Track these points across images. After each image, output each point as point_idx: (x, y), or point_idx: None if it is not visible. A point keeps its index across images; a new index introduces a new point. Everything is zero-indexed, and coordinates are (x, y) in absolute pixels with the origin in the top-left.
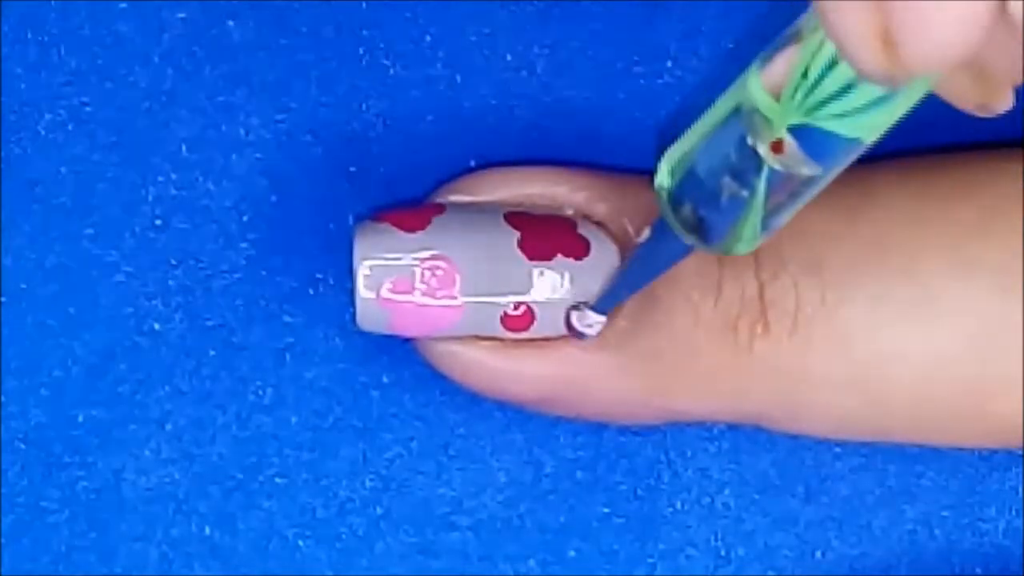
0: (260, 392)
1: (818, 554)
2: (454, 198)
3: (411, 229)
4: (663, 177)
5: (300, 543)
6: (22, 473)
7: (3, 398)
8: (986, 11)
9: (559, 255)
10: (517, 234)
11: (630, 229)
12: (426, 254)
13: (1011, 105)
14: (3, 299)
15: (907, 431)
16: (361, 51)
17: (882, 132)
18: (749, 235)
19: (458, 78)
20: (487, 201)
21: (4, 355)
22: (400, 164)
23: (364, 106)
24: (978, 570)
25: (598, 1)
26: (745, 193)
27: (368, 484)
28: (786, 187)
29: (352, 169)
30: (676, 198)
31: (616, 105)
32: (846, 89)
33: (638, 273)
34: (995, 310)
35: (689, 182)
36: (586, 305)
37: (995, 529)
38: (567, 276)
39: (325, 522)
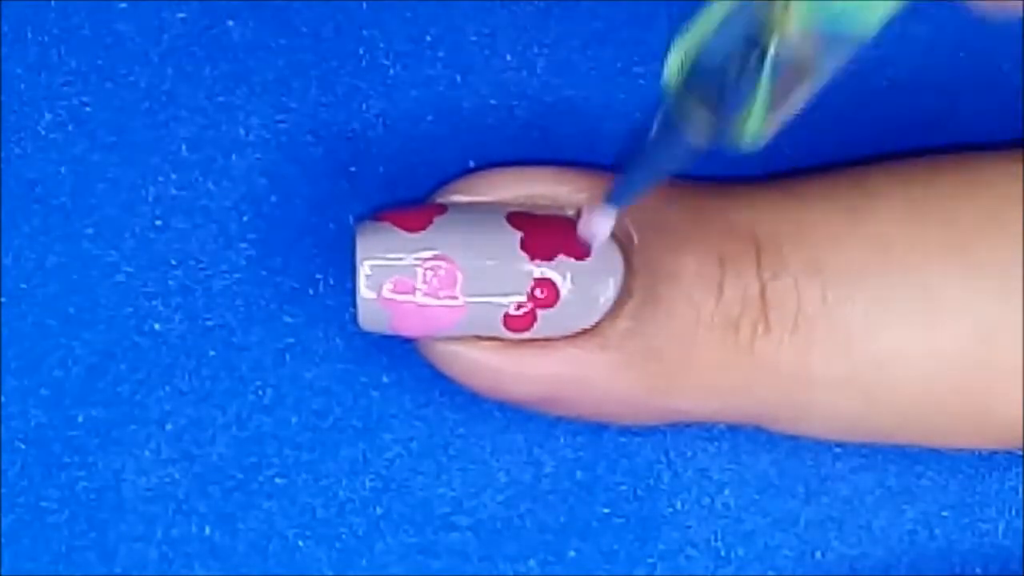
0: (260, 392)
1: (818, 554)
2: (456, 198)
3: (413, 229)
4: (672, 72)
5: (300, 543)
6: (22, 473)
7: (3, 398)
8: None
9: (561, 255)
10: (519, 234)
11: (632, 229)
12: (428, 254)
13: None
14: (3, 299)
15: (908, 431)
16: (361, 51)
17: None
18: (754, 127)
19: (458, 78)
20: (489, 201)
21: (4, 355)
22: (400, 164)
23: (364, 106)
24: (978, 570)
25: (598, 1)
26: (751, 78)
27: (368, 484)
28: (791, 72)
29: (352, 169)
30: (682, 92)
31: (616, 105)
32: None
33: (646, 171)
34: (996, 311)
35: (695, 74)
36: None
37: (995, 529)
38: (569, 276)
39: (325, 522)
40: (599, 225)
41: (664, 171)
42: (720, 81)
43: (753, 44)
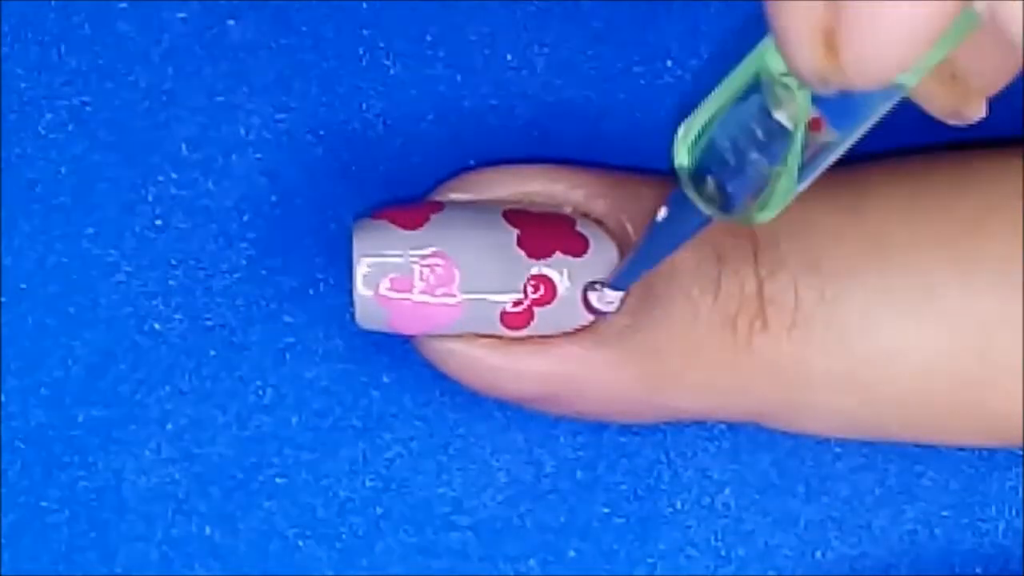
0: (260, 392)
1: (818, 554)
2: (453, 196)
3: (410, 226)
4: (682, 156)
5: (300, 543)
6: (22, 473)
7: (3, 398)
8: (934, 27)
9: (558, 252)
10: (516, 232)
11: (628, 226)
12: (425, 251)
13: (983, 114)
14: (3, 299)
15: (906, 428)
16: (361, 51)
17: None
18: (776, 202)
19: (458, 78)
20: (486, 199)
21: (4, 355)
22: (400, 164)
23: (364, 106)
24: (978, 570)
25: (598, 1)
26: (774, 165)
27: (368, 484)
28: (811, 152)
29: (352, 169)
30: (698, 175)
31: (616, 105)
32: None
33: (656, 248)
34: (994, 307)
35: (711, 158)
36: (603, 284)
37: (995, 529)
38: (566, 273)
39: (325, 522)
40: (607, 307)
41: (674, 246)
42: (737, 158)
43: (772, 122)
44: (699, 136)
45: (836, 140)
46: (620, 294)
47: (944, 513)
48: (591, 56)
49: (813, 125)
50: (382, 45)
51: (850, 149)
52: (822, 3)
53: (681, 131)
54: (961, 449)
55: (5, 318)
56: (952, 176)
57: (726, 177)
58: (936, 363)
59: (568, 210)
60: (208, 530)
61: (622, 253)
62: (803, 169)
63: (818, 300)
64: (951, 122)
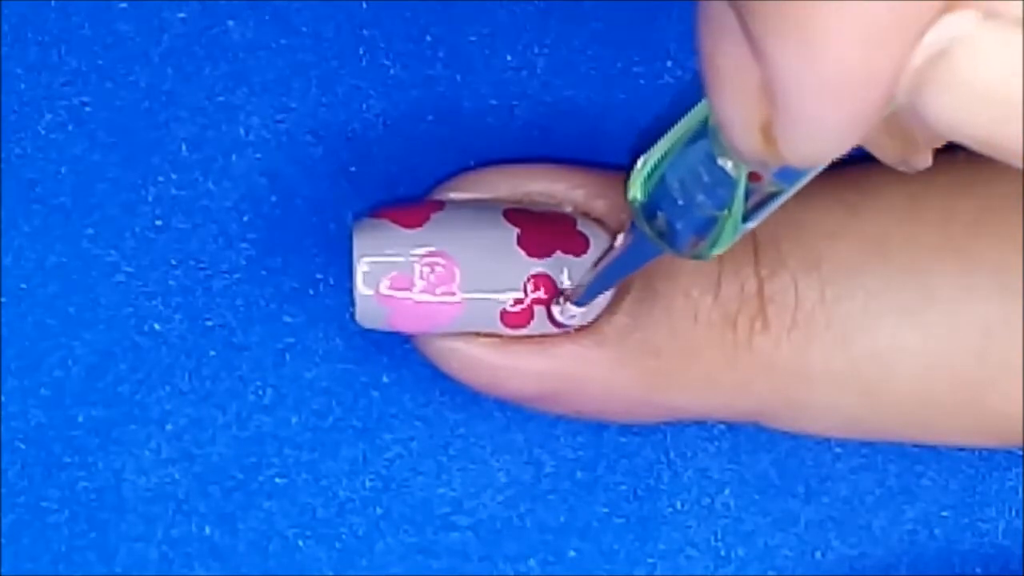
0: (260, 392)
1: (818, 554)
2: (453, 195)
3: (410, 225)
4: (636, 189)
5: (300, 543)
6: (22, 473)
7: (3, 398)
8: (866, 121)
9: (558, 252)
10: (516, 231)
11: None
12: (425, 250)
13: (930, 163)
14: (3, 299)
15: (906, 428)
16: (361, 51)
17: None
18: (724, 241)
19: (458, 78)
20: (486, 198)
21: (4, 355)
22: (400, 164)
23: (364, 106)
24: (978, 570)
25: (598, 1)
26: (719, 210)
27: (368, 484)
28: (759, 197)
29: (352, 169)
30: (649, 209)
31: (616, 105)
32: None
33: (615, 271)
34: (994, 308)
35: (661, 195)
36: (566, 299)
37: (995, 529)
38: (566, 273)
39: (325, 522)
40: (569, 320)
41: (631, 270)
42: (685, 199)
43: (717, 169)
44: (652, 172)
45: (781, 190)
46: (582, 309)
47: (944, 513)
48: (591, 56)
49: (755, 177)
50: (382, 45)
51: (850, 149)
52: (756, 98)
53: (639, 164)
54: (961, 449)
55: (5, 318)
56: (952, 177)
57: (674, 215)
58: (936, 363)
59: (569, 209)
60: (208, 530)
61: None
62: (749, 214)
63: (818, 300)
64: (899, 168)
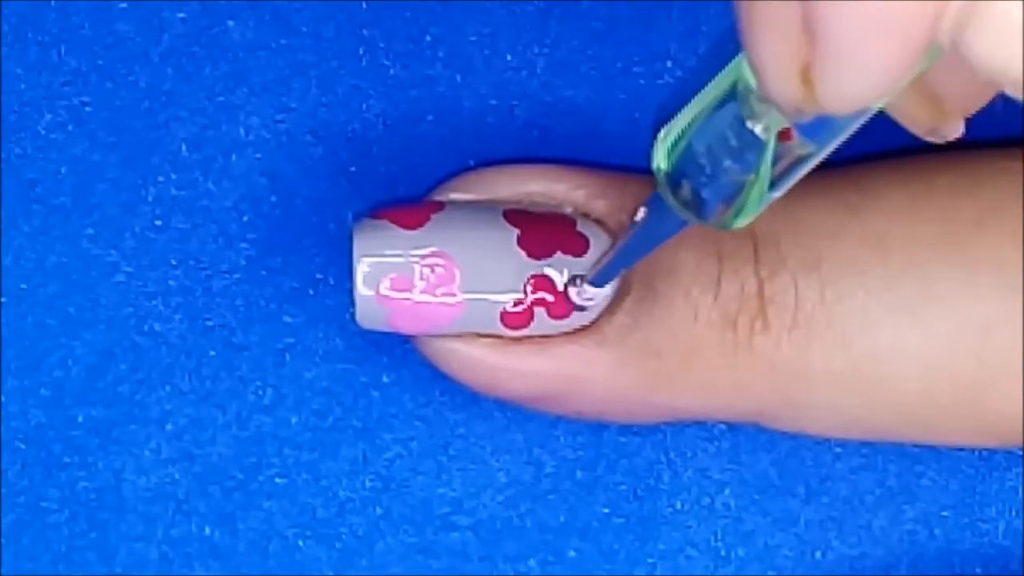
0: (260, 392)
1: (818, 554)
2: (453, 196)
3: (410, 226)
4: (660, 159)
5: (300, 543)
6: (22, 473)
7: (3, 398)
8: (906, 62)
9: (558, 252)
10: (516, 231)
11: None
12: (425, 251)
13: (961, 132)
14: (3, 299)
15: (906, 428)
16: (361, 51)
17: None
18: (750, 209)
19: (458, 78)
20: (486, 199)
21: (4, 355)
22: (400, 164)
23: (364, 106)
24: (978, 570)
25: (598, 1)
26: (747, 175)
27: (368, 484)
28: (787, 162)
29: (352, 169)
30: (674, 179)
31: (616, 105)
32: None
33: (635, 248)
34: (995, 308)
35: (687, 163)
36: (583, 279)
37: (995, 529)
38: (566, 273)
39: (325, 522)
40: (586, 302)
41: (652, 247)
42: (712, 165)
43: (746, 132)
44: (677, 140)
45: (811, 152)
46: (598, 291)
47: (944, 513)
48: (591, 56)
49: (785, 135)
50: (382, 45)
51: (851, 149)
52: (796, 39)
53: (661, 134)
54: (961, 449)
55: (5, 318)
56: (953, 177)
57: (701, 183)
58: (936, 363)
59: (569, 210)
60: (208, 530)
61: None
62: (777, 179)
63: (818, 300)
64: (929, 138)
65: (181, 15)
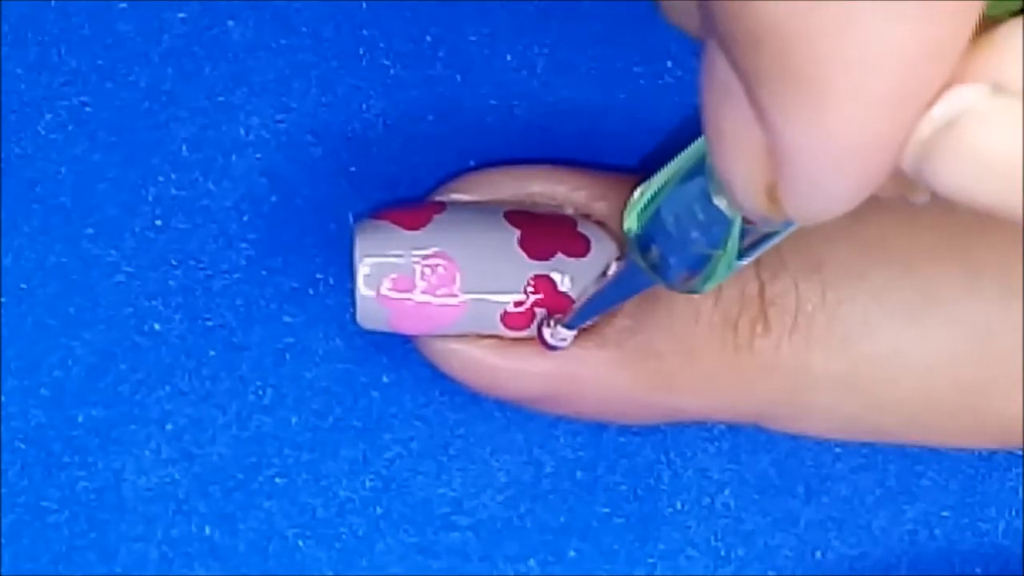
0: (260, 392)
1: (818, 554)
2: (455, 197)
3: (412, 227)
4: (631, 220)
5: (300, 543)
6: (22, 473)
7: (3, 398)
8: (872, 186)
9: (559, 254)
10: (517, 232)
11: None
12: (426, 252)
13: (928, 199)
14: (3, 299)
15: (906, 430)
16: (361, 51)
17: None
18: (718, 277)
19: (458, 78)
20: (487, 200)
21: (4, 355)
22: (400, 164)
23: (364, 106)
24: (978, 570)
25: (598, 1)
26: (714, 249)
27: (368, 484)
28: (754, 237)
29: (352, 169)
30: (643, 242)
31: (616, 105)
32: None
33: (608, 297)
34: (995, 310)
35: (655, 229)
36: (557, 320)
37: (995, 529)
38: (567, 275)
39: (325, 522)
40: (559, 343)
41: (624, 298)
42: (679, 234)
43: (713, 208)
44: (648, 204)
45: (776, 230)
46: (572, 332)
47: (944, 513)
48: (591, 56)
49: (746, 220)
50: (382, 45)
51: None
52: (762, 162)
53: (636, 194)
54: (961, 449)
55: (5, 318)
56: None
57: (668, 249)
58: (937, 366)
59: (570, 211)
60: (208, 530)
61: (623, 255)
62: (744, 252)
63: (819, 303)
64: (900, 203)
65: (181, 15)
